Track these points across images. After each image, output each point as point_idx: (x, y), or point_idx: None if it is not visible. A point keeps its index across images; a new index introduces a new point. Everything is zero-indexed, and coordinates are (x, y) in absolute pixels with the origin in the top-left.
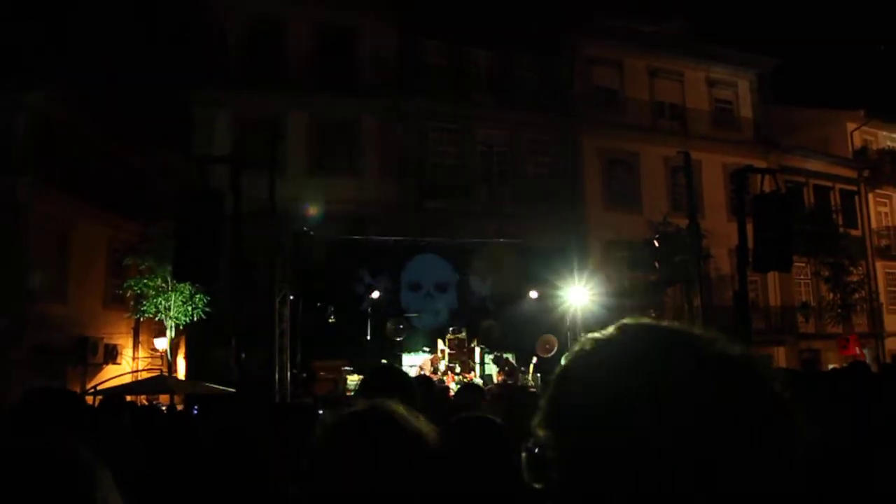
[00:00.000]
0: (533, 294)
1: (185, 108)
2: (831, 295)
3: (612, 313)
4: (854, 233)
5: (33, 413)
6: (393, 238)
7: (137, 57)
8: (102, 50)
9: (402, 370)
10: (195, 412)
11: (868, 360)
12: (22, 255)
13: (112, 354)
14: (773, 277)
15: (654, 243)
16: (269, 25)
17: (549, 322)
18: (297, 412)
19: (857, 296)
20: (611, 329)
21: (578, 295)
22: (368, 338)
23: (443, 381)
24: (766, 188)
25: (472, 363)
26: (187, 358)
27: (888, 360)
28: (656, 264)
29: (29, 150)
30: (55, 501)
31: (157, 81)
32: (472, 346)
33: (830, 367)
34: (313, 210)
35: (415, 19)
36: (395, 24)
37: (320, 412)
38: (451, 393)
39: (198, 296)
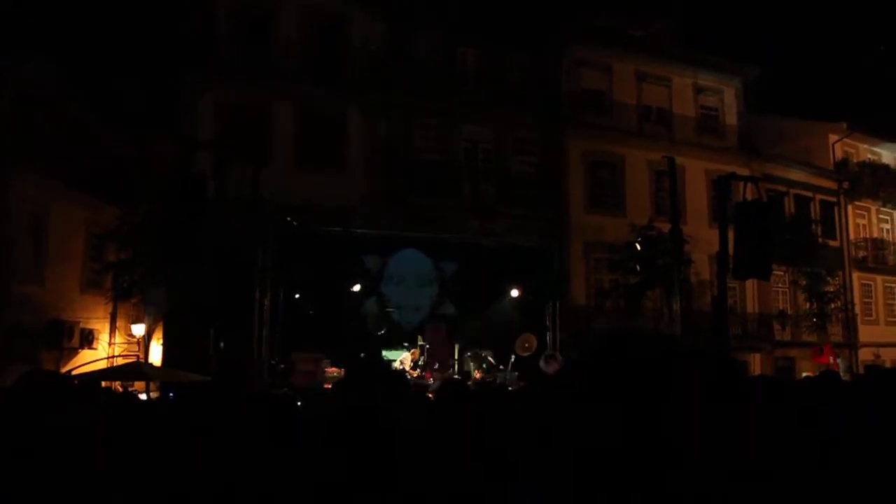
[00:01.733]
0: (514, 292)
1: (169, 92)
2: (808, 304)
3: (590, 315)
4: (832, 243)
5: (28, 396)
6: (376, 232)
7: (121, 37)
8: (86, 29)
9: (387, 362)
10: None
11: (842, 370)
12: None
13: (88, 339)
14: (751, 285)
15: (636, 246)
16: (259, 12)
17: (528, 320)
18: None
19: (833, 306)
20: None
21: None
22: (348, 331)
23: (422, 377)
24: (748, 196)
25: (451, 360)
26: (165, 345)
27: (861, 370)
28: (637, 267)
29: (6, 129)
30: None
31: (140, 63)
32: (452, 342)
33: (804, 374)
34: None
35: (404, 13)
36: (385, 17)
37: (297, 403)
38: (430, 389)
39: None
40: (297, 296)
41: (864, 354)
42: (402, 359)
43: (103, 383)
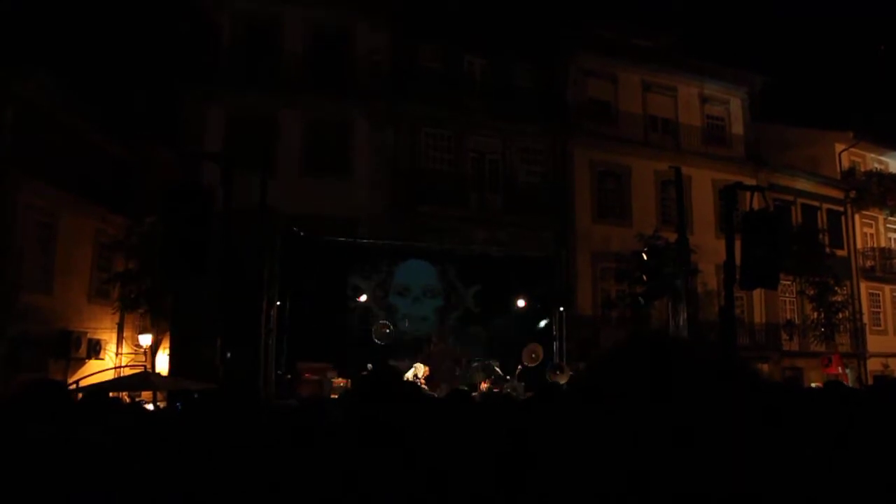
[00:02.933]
0: (520, 302)
1: (176, 103)
2: (815, 314)
3: (596, 325)
4: (840, 253)
5: (25, 405)
6: (383, 242)
7: (127, 49)
8: (90, 41)
9: (400, 374)
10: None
11: (850, 380)
12: (6, 246)
13: (95, 349)
14: (758, 294)
15: (642, 256)
16: (264, 22)
17: (535, 331)
18: (280, 413)
19: (840, 315)
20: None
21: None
22: (355, 341)
23: (427, 388)
24: (755, 206)
25: (457, 370)
26: (171, 355)
27: (870, 380)
28: (644, 277)
29: (16, 140)
30: None
31: (147, 74)
32: (458, 353)
33: (812, 385)
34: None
35: (410, 23)
36: (391, 27)
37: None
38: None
39: None
40: (304, 305)
41: (873, 364)
42: (415, 368)
43: (110, 393)
